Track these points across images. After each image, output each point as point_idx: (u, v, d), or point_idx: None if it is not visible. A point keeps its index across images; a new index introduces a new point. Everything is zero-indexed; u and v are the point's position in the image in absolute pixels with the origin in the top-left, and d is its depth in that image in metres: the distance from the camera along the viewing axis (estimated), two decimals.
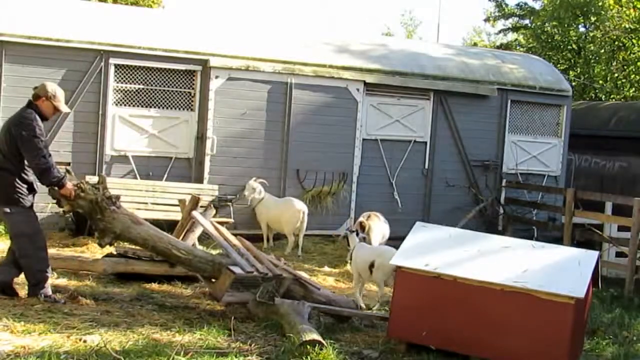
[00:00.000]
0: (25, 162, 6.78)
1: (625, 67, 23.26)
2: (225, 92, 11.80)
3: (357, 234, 8.88)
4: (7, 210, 6.79)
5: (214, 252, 8.92)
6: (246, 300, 7.24)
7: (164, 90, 11.67)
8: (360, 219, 10.61)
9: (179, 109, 11.80)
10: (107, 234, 6.86)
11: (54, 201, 7.17)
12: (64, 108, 7.25)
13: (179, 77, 11.75)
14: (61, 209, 7.23)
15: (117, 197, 6.93)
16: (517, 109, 14.14)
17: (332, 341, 6.37)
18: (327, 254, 11.33)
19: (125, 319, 6.70)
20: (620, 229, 13.19)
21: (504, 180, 13.97)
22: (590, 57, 23.44)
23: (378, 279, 8.27)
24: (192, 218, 8.03)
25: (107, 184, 7.23)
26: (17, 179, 6.77)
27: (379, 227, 10.57)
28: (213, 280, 7.28)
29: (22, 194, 6.81)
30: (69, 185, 6.78)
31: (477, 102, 13.60)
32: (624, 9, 22.40)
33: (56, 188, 6.79)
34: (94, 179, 10.96)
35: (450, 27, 56.77)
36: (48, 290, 6.98)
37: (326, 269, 10.38)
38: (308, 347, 5.97)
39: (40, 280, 6.93)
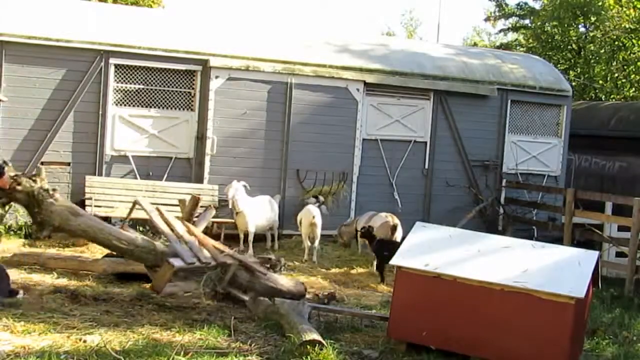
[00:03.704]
0: None
1: (625, 67, 23.25)
2: (225, 92, 11.80)
3: (318, 203, 11.47)
4: None
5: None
6: (189, 290, 7.17)
7: (164, 90, 11.68)
8: (390, 219, 10.61)
9: (179, 109, 11.80)
10: (45, 226, 6.81)
11: None
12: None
13: (179, 77, 11.75)
14: None
15: (54, 190, 6.83)
16: (517, 109, 14.14)
17: (332, 341, 6.37)
18: (327, 254, 11.33)
19: (125, 319, 6.71)
20: (620, 229, 13.18)
21: (504, 180, 13.97)
22: (590, 57, 23.44)
23: (302, 232, 10.84)
24: (137, 203, 7.80)
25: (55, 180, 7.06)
26: None
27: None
28: (157, 269, 7.21)
29: None
30: (6, 176, 6.64)
31: (477, 102, 13.60)
32: (624, 9, 22.40)
33: None
34: (93, 179, 11.05)
35: (450, 27, 56.76)
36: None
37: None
38: (308, 347, 5.98)
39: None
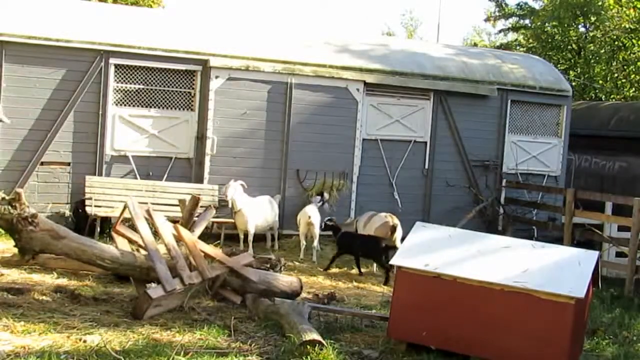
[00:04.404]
0: None
1: (625, 67, 23.26)
2: (225, 92, 11.80)
3: (321, 202, 11.69)
4: None
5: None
6: (174, 306, 7.07)
7: (164, 90, 11.67)
8: (390, 219, 10.63)
9: (179, 109, 11.80)
10: (27, 251, 6.76)
11: None
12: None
13: (179, 77, 11.75)
14: None
15: (35, 216, 6.71)
16: (517, 109, 14.14)
17: (332, 341, 6.37)
18: (327, 254, 11.32)
19: (125, 319, 6.71)
20: (620, 229, 13.17)
21: (504, 180, 13.97)
22: (590, 57, 23.44)
23: (299, 231, 11.08)
24: (126, 206, 7.62)
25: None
26: None
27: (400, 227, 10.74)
28: (145, 283, 7.16)
29: None
30: None
31: (477, 102, 13.60)
32: (624, 9, 22.40)
33: None
34: (93, 179, 11.04)
35: (450, 27, 56.78)
36: None
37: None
38: (308, 347, 5.97)
39: None
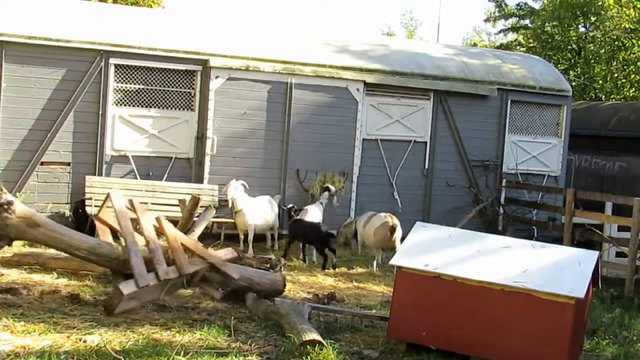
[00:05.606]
0: None
1: (625, 67, 23.26)
2: (225, 92, 11.80)
3: (331, 195, 11.68)
4: None
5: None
6: (149, 300, 7.00)
7: (164, 90, 11.68)
8: (389, 219, 10.61)
9: (179, 109, 11.80)
10: (2, 238, 6.74)
11: None
12: None
13: (179, 77, 11.75)
14: None
15: (10, 203, 6.63)
16: (517, 109, 14.14)
17: (332, 341, 6.37)
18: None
19: (125, 319, 6.70)
20: (620, 229, 13.17)
21: (504, 180, 13.98)
22: (590, 57, 23.44)
23: None
24: (108, 197, 7.53)
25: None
26: None
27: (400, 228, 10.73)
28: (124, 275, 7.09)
29: None
30: None
31: (477, 102, 13.60)
32: (624, 9, 22.40)
33: None
34: (93, 179, 11.05)
35: (450, 27, 56.78)
36: None
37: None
38: (308, 347, 5.97)
39: None
